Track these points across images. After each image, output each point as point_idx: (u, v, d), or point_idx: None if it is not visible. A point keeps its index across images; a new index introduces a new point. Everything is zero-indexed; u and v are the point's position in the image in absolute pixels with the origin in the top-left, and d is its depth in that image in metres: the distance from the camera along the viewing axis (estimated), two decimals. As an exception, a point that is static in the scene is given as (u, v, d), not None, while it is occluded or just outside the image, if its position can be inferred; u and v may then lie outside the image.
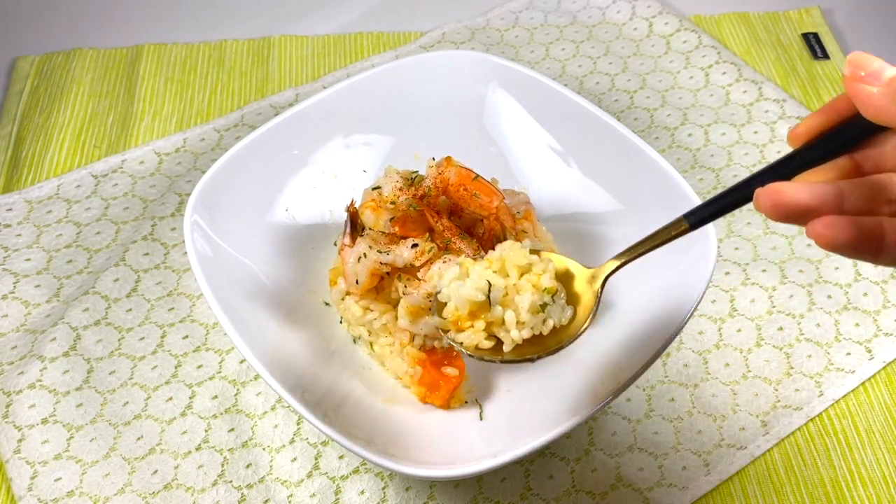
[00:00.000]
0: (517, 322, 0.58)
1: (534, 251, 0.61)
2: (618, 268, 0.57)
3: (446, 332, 0.60)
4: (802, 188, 0.42)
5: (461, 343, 0.59)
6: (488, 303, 0.58)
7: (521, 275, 0.59)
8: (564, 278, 0.61)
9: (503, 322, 0.58)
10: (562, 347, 0.58)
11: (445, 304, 0.60)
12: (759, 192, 0.42)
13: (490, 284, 0.58)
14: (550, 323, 0.58)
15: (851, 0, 1.13)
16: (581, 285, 0.60)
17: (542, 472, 0.69)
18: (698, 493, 0.68)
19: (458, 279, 0.59)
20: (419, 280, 0.66)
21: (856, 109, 0.42)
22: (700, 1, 1.13)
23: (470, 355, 0.59)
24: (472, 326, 0.59)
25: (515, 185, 0.81)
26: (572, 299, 0.60)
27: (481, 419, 0.68)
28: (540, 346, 0.58)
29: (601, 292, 0.58)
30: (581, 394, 0.65)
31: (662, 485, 0.69)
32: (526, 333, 0.58)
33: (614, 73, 1.03)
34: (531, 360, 0.58)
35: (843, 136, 0.44)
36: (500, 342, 0.59)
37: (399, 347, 0.70)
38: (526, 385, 0.71)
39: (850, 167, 0.45)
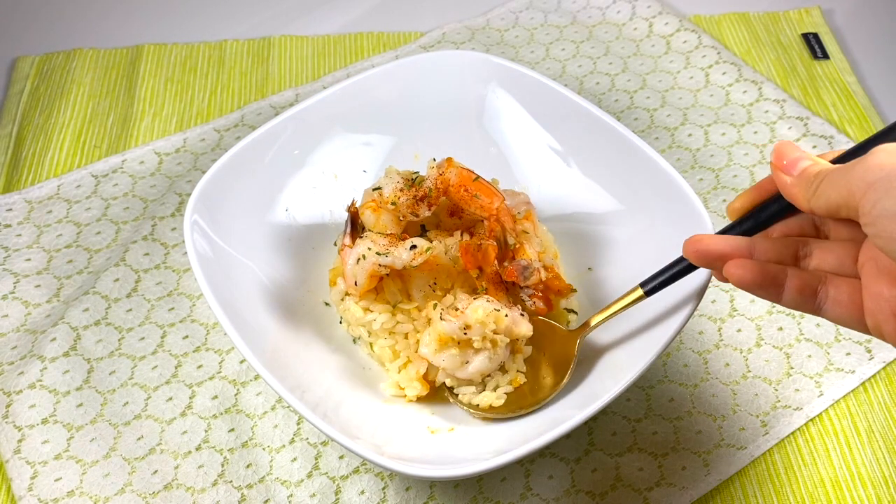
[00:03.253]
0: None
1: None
2: (590, 330, 0.67)
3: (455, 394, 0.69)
4: (720, 239, 0.53)
5: (476, 406, 0.68)
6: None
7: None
8: (546, 338, 0.69)
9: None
10: (547, 401, 0.67)
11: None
12: (686, 242, 0.54)
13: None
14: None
15: (851, 0, 1.13)
16: (561, 344, 0.68)
17: (542, 472, 0.69)
18: (698, 494, 0.68)
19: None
20: (458, 311, 0.66)
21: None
22: (700, 1, 1.13)
23: (474, 415, 0.68)
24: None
25: (515, 186, 0.81)
26: (554, 357, 0.69)
27: (482, 420, 0.68)
28: (528, 401, 0.67)
29: (578, 350, 0.67)
30: (581, 394, 0.66)
31: (662, 485, 0.69)
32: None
33: (614, 73, 1.03)
34: (526, 414, 0.67)
35: (769, 211, 0.54)
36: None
37: (406, 364, 0.70)
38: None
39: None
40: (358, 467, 0.70)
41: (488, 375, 0.68)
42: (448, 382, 0.69)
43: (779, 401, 0.73)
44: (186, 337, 0.78)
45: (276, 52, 1.06)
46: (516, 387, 0.68)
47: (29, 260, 0.84)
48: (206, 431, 0.72)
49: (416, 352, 0.69)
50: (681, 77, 1.02)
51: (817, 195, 0.47)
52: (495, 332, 0.66)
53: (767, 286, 0.50)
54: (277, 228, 0.77)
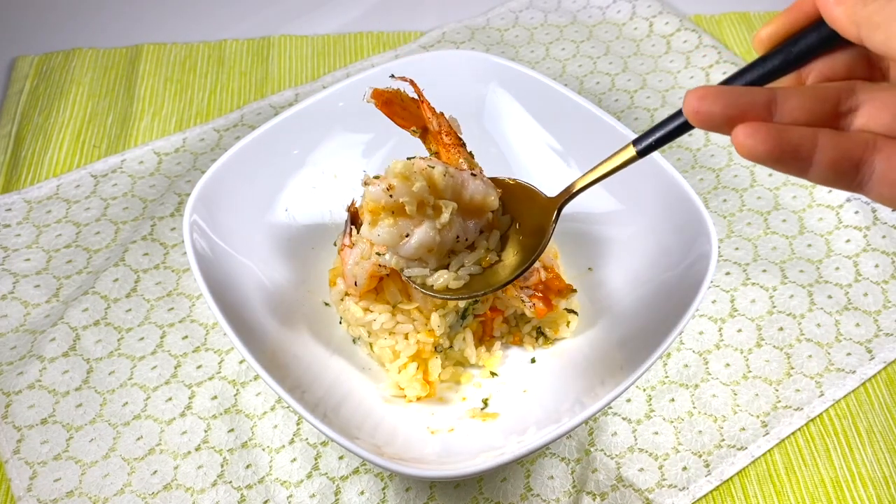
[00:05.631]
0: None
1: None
2: (571, 197, 0.58)
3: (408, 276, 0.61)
4: (729, 94, 0.39)
5: (431, 287, 0.60)
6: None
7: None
8: (524, 207, 0.61)
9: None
10: (520, 275, 0.59)
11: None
12: (687, 96, 0.39)
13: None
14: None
15: (852, 0, 1.13)
16: (539, 213, 0.59)
17: (542, 472, 0.69)
18: (699, 494, 0.68)
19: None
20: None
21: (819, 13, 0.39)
22: (700, 1, 1.13)
23: (437, 296, 0.61)
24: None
25: (515, 185, 0.81)
26: (529, 227, 0.60)
27: (482, 419, 0.68)
28: (493, 280, 0.59)
29: (555, 223, 0.59)
30: (581, 394, 0.65)
31: (663, 485, 0.69)
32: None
33: (614, 72, 1.03)
34: (491, 292, 0.59)
35: (805, 42, 0.41)
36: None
37: (406, 364, 0.70)
38: (526, 385, 0.71)
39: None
40: (358, 468, 0.70)
41: (450, 254, 0.59)
42: (394, 263, 0.60)
43: (779, 401, 0.73)
44: (186, 337, 0.78)
45: (275, 51, 1.06)
46: (486, 266, 0.59)
47: (28, 260, 0.84)
48: (205, 432, 0.72)
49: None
50: (681, 77, 1.01)
51: (871, 20, 0.33)
52: (438, 197, 0.58)
53: (787, 160, 0.37)
54: (277, 228, 0.77)
